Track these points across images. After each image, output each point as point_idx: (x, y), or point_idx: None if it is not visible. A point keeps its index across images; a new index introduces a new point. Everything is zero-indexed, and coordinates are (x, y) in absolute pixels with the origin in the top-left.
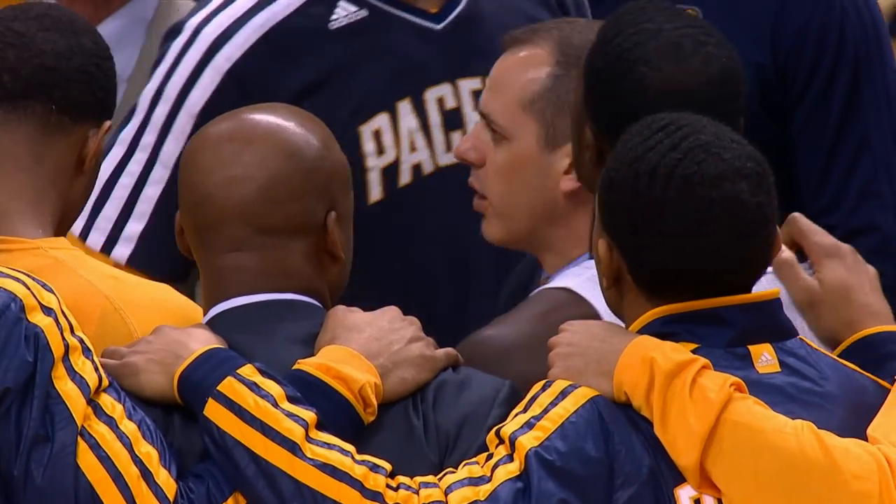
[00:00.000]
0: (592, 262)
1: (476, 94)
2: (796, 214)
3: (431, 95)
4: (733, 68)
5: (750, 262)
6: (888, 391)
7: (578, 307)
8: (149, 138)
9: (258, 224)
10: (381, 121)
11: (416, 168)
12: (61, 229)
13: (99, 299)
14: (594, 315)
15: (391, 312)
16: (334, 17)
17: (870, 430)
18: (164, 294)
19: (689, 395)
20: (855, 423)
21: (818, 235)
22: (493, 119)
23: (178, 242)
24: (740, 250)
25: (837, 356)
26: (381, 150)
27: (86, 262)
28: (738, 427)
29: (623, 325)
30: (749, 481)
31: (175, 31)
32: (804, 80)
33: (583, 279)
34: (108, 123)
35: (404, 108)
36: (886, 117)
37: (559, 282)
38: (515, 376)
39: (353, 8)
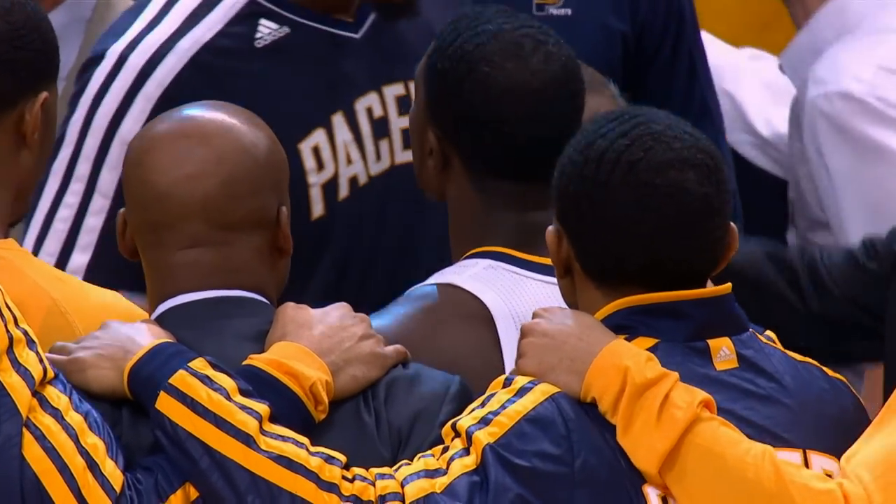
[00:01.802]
0: (471, 261)
1: (399, 101)
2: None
3: (361, 106)
4: (573, 67)
5: (697, 252)
6: (837, 379)
7: (467, 303)
8: (83, 169)
9: (218, 220)
10: (319, 136)
11: (353, 181)
12: (18, 207)
13: (45, 300)
14: (483, 310)
15: (342, 309)
16: (258, 35)
17: (843, 458)
18: (110, 298)
19: (657, 411)
20: (808, 416)
21: None
22: None
23: (119, 243)
24: (685, 240)
25: None
26: (320, 166)
27: (33, 263)
28: (699, 449)
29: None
30: (705, 503)
31: (96, 58)
32: (654, 48)
33: (466, 276)
34: (44, 95)
35: (338, 121)
36: (712, 82)
37: (439, 279)
38: None
39: (274, 25)
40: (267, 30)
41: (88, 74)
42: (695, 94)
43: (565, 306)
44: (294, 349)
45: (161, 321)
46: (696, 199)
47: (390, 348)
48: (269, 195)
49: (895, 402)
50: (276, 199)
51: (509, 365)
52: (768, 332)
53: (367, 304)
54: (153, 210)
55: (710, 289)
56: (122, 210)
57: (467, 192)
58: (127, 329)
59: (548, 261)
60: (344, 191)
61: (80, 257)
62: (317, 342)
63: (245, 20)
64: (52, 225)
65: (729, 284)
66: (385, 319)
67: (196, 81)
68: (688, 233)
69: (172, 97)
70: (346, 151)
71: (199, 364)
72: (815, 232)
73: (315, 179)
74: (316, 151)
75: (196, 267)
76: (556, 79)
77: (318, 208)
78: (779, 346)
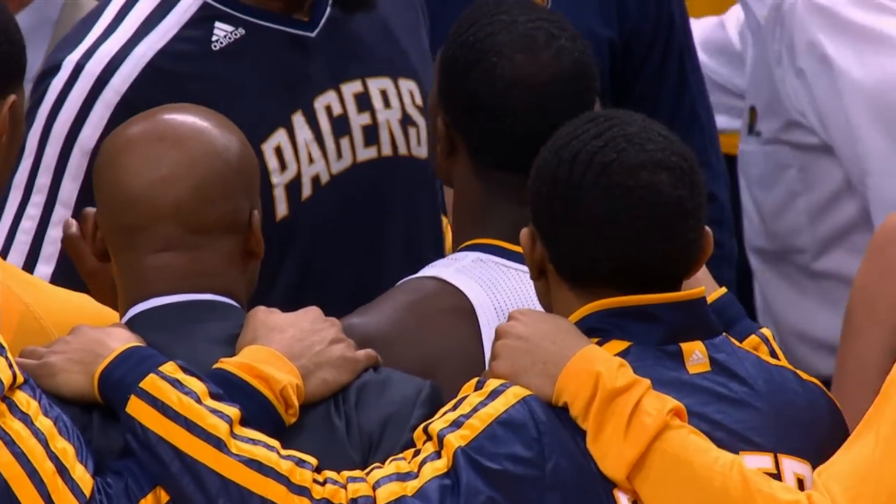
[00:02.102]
0: (461, 254)
1: (357, 98)
2: None
3: (320, 104)
4: (585, 63)
5: (671, 256)
6: (811, 382)
7: (450, 297)
8: (43, 180)
9: (191, 224)
10: (280, 136)
11: (315, 180)
12: None
13: (18, 305)
14: (466, 304)
15: (313, 313)
16: (214, 38)
17: (816, 471)
18: (82, 301)
19: (627, 418)
20: (780, 420)
21: None
22: None
23: (89, 245)
24: (657, 242)
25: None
26: (283, 166)
27: (4, 268)
28: (667, 457)
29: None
30: None
31: (52, 69)
32: (643, 56)
33: (452, 269)
34: (12, 98)
35: (298, 120)
36: (704, 90)
37: (427, 272)
38: None
39: (229, 28)
40: (222, 32)
41: (45, 85)
42: (684, 101)
43: (518, 316)
44: (264, 353)
45: (132, 325)
46: (670, 202)
47: (361, 352)
48: (241, 199)
49: (872, 416)
50: (248, 203)
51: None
52: (764, 330)
53: (332, 304)
54: (126, 213)
55: (684, 292)
56: (90, 211)
57: (470, 181)
58: (97, 333)
59: None
60: (307, 190)
61: (44, 268)
62: (287, 346)
63: (200, 24)
64: (15, 237)
65: (702, 288)
66: (372, 313)
67: (154, 86)
68: (661, 235)
69: (131, 103)
70: (308, 150)
71: (169, 368)
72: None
73: (278, 180)
74: (278, 151)
75: (168, 270)
76: (565, 74)
77: (281, 208)
78: (774, 344)
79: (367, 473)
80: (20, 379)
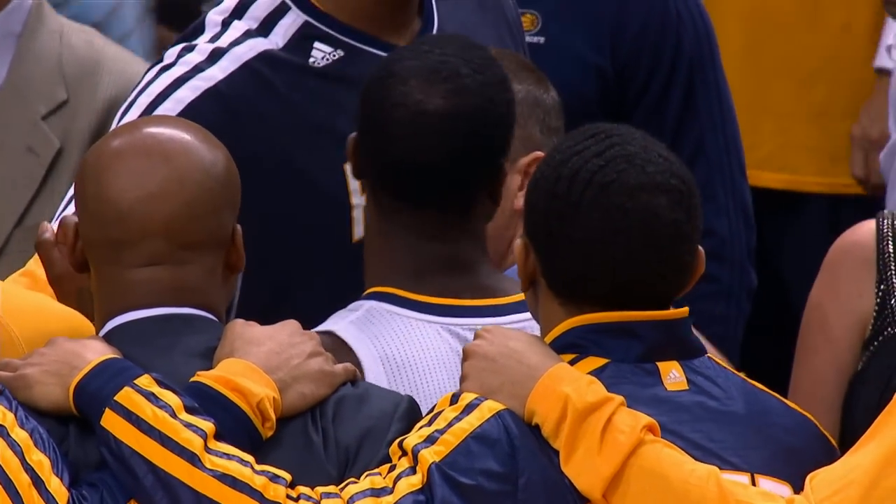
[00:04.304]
0: (361, 303)
1: None
2: None
3: None
4: (485, 105)
5: (664, 277)
6: (799, 412)
7: (341, 353)
8: None
9: (178, 240)
10: None
11: None
12: None
13: None
14: (354, 359)
15: (291, 326)
16: (312, 59)
17: (809, 476)
18: (44, 300)
19: (600, 436)
20: (758, 441)
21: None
22: None
23: (68, 255)
24: (653, 264)
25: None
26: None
27: None
28: (643, 472)
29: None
30: None
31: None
32: (641, 84)
33: (345, 322)
34: None
35: None
36: (720, 121)
37: (325, 325)
38: None
39: (328, 49)
40: (321, 53)
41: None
42: (688, 132)
43: (485, 335)
44: (241, 366)
45: (110, 337)
46: (666, 225)
47: (339, 366)
48: (226, 214)
49: (875, 429)
50: (232, 218)
51: None
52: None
53: None
54: (113, 227)
55: (665, 311)
56: (71, 220)
57: (372, 213)
58: (73, 345)
59: (437, 300)
60: None
61: None
62: (265, 359)
63: (300, 42)
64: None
65: (685, 309)
66: None
67: (248, 86)
68: (656, 258)
69: (222, 94)
70: None
71: (144, 381)
72: None
73: (358, 201)
74: None
75: (150, 285)
76: (457, 112)
77: (359, 230)
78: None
79: (342, 489)
80: None
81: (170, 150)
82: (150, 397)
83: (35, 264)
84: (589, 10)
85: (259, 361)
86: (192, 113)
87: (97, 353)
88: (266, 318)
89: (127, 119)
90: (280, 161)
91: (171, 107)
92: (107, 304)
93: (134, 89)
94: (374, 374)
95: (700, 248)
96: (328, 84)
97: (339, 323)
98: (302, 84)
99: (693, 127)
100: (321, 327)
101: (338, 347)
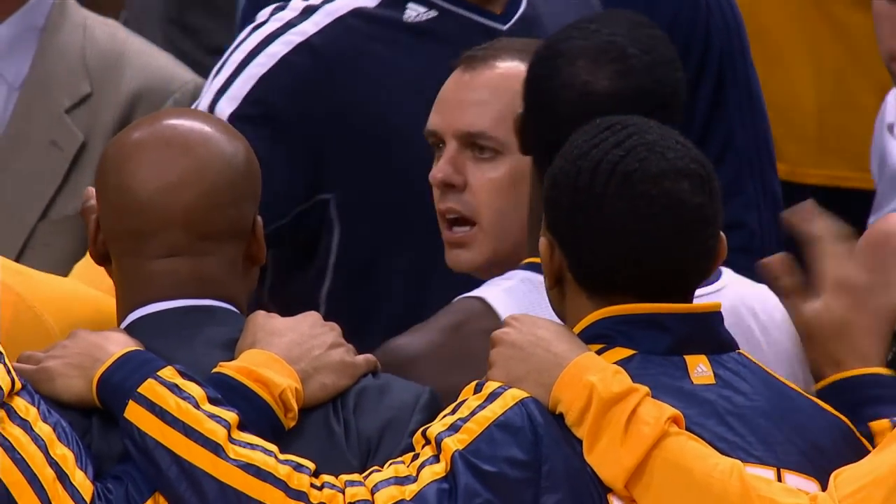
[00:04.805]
0: (516, 272)
1: None
2: (822, 235)
3: None
4: (656, 82)
5: (690, 263)
6: (828, 412)
7: (488, 320)
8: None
9: (198, 231)
10: None
11: None
12: None
13: (10, 296)
14: (499, 324)
15: (312, 318)
16: (406, 16)
17: (834, 474)
18: (73, 286)
19: (624, 426)
20: (786, 438)
21: (833, 262)
22: (489, 135)
23: (90, 248)
24: (680, 250)
25: (815, 394)
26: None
27: None
28: (667, 464)
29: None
30: None
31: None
32: None
33: (499, 290)
34: None
35: None
36: (749, 115)
37: (479, 291)
38: None
39: (422, 8)
40: (414, 13)
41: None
42: (717, 128)
43: (513, 322)
44: (264, 356)
45: (132, 329)
46: (691, 210)
47: (360, 357)
48: (247, 205)
49: None
50: (253, 209)
51: None
52: None
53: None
54: (133, 218)
55: (696, 304)
56: (92, 209)
57: (534, 185)
58: (95, 337)
59: None
60: None
61: None
62: (286, 350)
63: (394, 1)
64: None
65: (717, 303)
66: (416, 334)
67: (341, 38)
68: (683, 243)
69: (315, 48)
70: None
71: (167, 373)
72: None
73: None
74: None
75: (171, 276)
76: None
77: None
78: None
79: (366, 477)
80: (18, 385)
81: (190, 141)
82: (174, 389)
83: None
84: (619, 4)
85: (281, 352)
86: (284, 67)
87: (120, 345)
88: (362, 277)
89: (220, 77)
90: (374, 116)
91: (264, 61)
92: (128, 295)
93: (228, 48)
94: None
95: (722, 234)
96: (421, 41)
97: (492, 290)
98: (396, 39)
99: (722, 121)
100: (474, 292)
101: (485, 313)
